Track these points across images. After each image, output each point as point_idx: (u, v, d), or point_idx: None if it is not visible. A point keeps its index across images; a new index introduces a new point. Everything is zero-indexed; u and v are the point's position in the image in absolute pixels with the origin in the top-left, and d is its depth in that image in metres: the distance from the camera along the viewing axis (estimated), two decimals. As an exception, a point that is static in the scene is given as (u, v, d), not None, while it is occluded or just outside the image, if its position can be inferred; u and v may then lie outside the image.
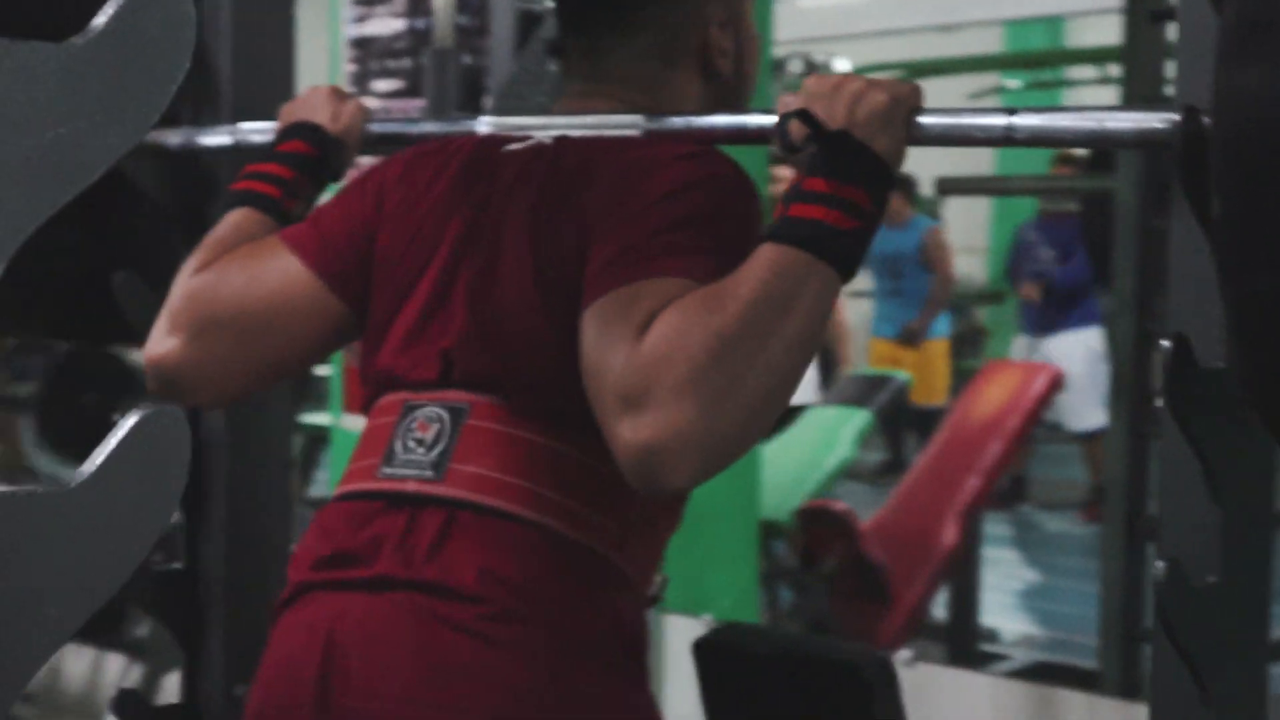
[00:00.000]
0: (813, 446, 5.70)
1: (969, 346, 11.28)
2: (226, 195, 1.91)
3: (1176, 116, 1.42)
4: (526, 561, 1.53)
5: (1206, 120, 1.35)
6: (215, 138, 2.16)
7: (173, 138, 2.21)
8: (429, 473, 1.57)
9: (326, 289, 1.72)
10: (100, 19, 0.71)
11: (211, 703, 2.32)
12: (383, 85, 3.98)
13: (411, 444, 1.59)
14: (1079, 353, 7.66)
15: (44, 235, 2.23)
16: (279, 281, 1.72)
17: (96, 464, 0.72)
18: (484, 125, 1.82)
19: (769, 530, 5.28)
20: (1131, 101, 4.04)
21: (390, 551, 1.55)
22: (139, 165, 2.23)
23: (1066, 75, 10.76)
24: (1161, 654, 1.53)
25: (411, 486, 1.57)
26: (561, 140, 1.68)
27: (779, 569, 5.33)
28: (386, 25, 3.98)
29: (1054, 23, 11.86)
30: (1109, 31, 6.59)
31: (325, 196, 1.89)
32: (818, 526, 4.99)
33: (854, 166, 1.47)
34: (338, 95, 1.95)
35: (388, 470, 1.60)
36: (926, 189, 8.39)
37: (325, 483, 6.00)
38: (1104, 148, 1.34)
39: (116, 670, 4.38)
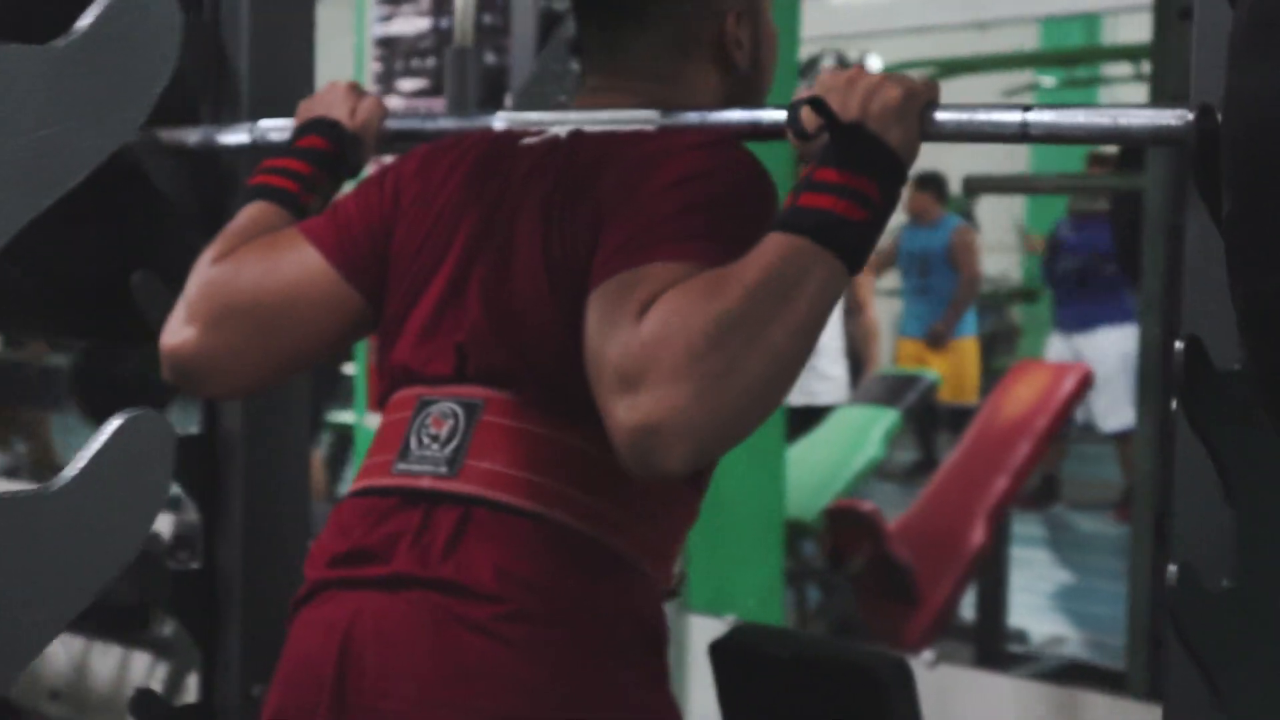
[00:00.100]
0: (841, 446, 5.70)
1: (1003, 345, 11.26)
2: (244, 190, 1.91)
3: (1191, 114, 1.41)
4: (542, 559, 1.53)
5: (1221, 117, 1.34)
6: (234, 135, 2.17)
7: (192, 136, 2.22)
8: (443, 469, 1.57)
9: (343, 281, 1.72)
10: (83, 22, 0.71)
11: (229, 703, 2.32)
12: (408, 84, 3.99)
13: (426, 440, 1.59)
14: (1112, 352, 7.63)
15: (66, 236, 2.22)
16: (296, 273, 1.72)
17: (79, 467, 0.71)
18: (500, 121, 1.82)
19: (796, 530, 5.28)
20: (1159, 98, 4.02)
21: (406, 549, 1.54)
22: (158, 163, 2.23)
23: (1102, 73, 10.71)
24: (1175, 658, 1.51)
25: (426, 483, 1.57)
26: (576, 134, 1.68)
27: (806, 569, 5.33)
28: (412, 24, 3.98)
29: (1091, 20, 11.83)
30: (1146, 28, 6.55)
31: (343, 192, 1.89)
32: (845, 526, 4.99)
33: (866, 158, 1.46)
34: (355, 91, 1.96)
35: (402, 466, 1.60)
36: (959, 187, 8.37)
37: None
38: (1118, 145, 1.34)
39: (143, 669, 4.40)
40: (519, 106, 2.82)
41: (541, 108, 2.69)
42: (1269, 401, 1.30)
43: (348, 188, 1.88)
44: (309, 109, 1.95)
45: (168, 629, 4.34)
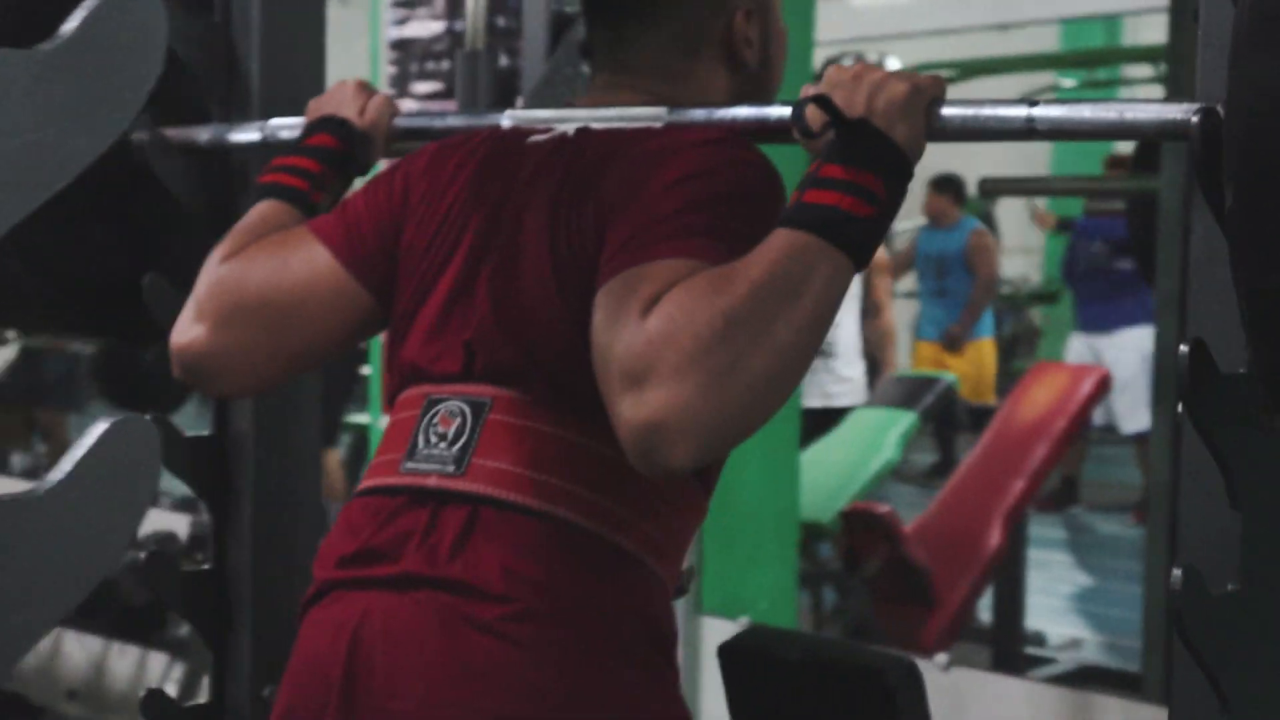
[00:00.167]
0: (857, 449, 5.69)
1: (1023, 347, 11.24)
2: (254, 188, 1.91)
3: (1196, 108, 1.40)
4: (549, 559, 1.52)
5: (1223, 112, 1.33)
6: (245, 134, 2.17)
7: (202, 134, 2.22)
8: (451, 468, 1.56)
9: (353, 279, 1.72)
10: (69, 26, 0.71)
11: (239, 703, 2.32)
12: (422, 87, 4.00)
13: (434, 438, 1.59)
14: (1133, 353, 7.61)
15: (76, 234, 2.22)
16: (306, 270, 1.72)
17: (65, 471, 0.72)
18: (508, 119, 1.82)
19: (813, 533, 5.27)
20: (1174, 99, 4.01)
21: (414, 548, 1.54)
22: (169, 163, 2.24)
23: (1123, 74, 10.69)
24: (1180, 662, 1.51)
25: (433, 482, 1.57)
26: (583, 132, 1.68)
27: (822, 571, 5.33)
28: (426, 28, 3.99)
29: (1112, 22, 11.80)
30: (1166, 30, 6.54)
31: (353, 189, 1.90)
32: (860, 529, 4.98)
33: (871, 154, 1.46)
34: (364, 89, 1.96)
35: (410, 465, 1.60)
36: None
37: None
38: (1125, 139, 1.35)
39: (160, 669, 4.42)
40: (530, 109, 2.82)
41: (553, 110, 2.69)
42: (1273, 399, 1.30)
43: (358, 185, 1.88)
44: (318, 107, 1.96)
45: (184, 630, 4.36)
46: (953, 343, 8.47)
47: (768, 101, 1.74)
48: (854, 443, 5.75)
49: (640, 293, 1.39)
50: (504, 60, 3.42)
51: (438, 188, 1.72)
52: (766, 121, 1.67)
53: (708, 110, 1.69)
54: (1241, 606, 1.48)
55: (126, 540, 0.77)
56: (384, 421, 1.69)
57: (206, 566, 2.35)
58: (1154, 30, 9.43)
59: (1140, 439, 7.68)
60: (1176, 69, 4.11)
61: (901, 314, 9.39)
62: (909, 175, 1.49)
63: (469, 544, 1.53)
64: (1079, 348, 8.14)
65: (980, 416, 7.51)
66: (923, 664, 2.31)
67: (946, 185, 8.40)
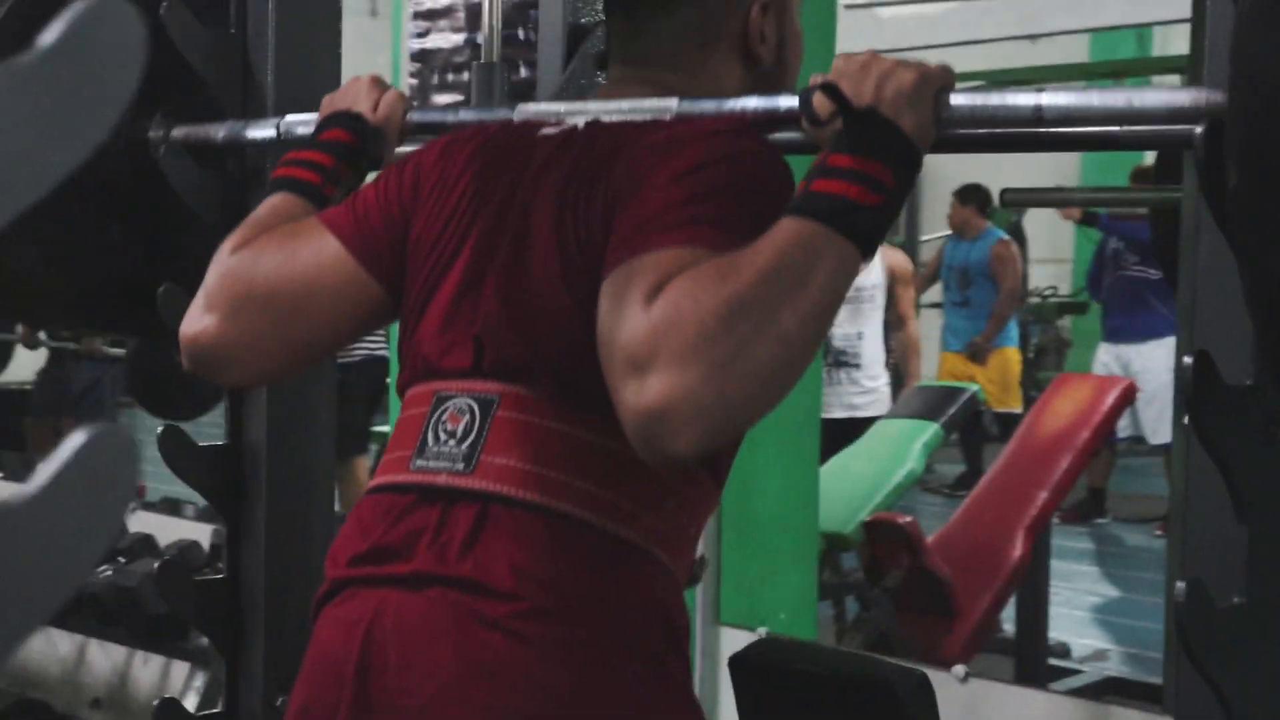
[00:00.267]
0: (881, 459, 5.67)
1: (1051, 358, 11.20)
2: (268, 182, 1.92)
3: (1204, 94, 1.40)
4: (559, 556, 1.53)
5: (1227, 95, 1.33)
6: (260, 130, 2.18)
7: (219, 131, 2.23)
8: (460, 465, 1.56)
9: (363, 269, 1.73)
10: (46, 36, 0.71)
11: (253, 712, 2.33)
12: (443, 98, 4.01)
13: (443, 435, 1.59)
14: (1162, 363, 7.57)
15: (93, 231, 2.22)
16: (316, 261, 1.73)
17: (40, 482, 0.71)
18: (519, 113, 1.82)
19: (835, 543, 5.26)
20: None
21: (425, 547, 1.55)
22: (185, 163, 2.25)
23: (1152, 85, 10.66)
24: (1184, 674, 1.50)
25: (443, 479, 1.57)
26: (593, 124, 1.69)
27: (844, 582, 5.31)
28: (447, 39, 4.00)
29: (1142, 32, 11.76)
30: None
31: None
32: (883, 539, 4.97)
33: (879, 143, 1.46)
34: (378, 85, 1.98)
35: (419, 463, 1.60)
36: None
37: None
38: (1133, 125, 1.35)
39: (182, 678, 4.42)
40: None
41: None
42: (1276, 382, 1.29)
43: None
44: (332, 102, 1.97)
45: (206, 639, 4.37)
46: (976, 353, 8.46)
47: None
48: (877, 453, 5.73)
49: (645, 280, 1.38)
50: (524, 72, 3.42)
51: (448, 180, 1.72)
52: (775, 111, 1.68)
53: (717, 101, 1.69)
54: (1246, 618, 1.48)
55: (102, 552, 0.76)
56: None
57: (219, 575, 2.36)
58: (1183, 41, 9.40)
59: (1168, 450, 7.64)
60: (1195, 77, 4.09)
61: (926, 325, 9.37)
62: (917, 163, 1.49)
63: (479, 542, 1.53)
64: (1106, 358, 8.11)
65: (1008, 424, 7.48)
66: (940, 676, 2.30)
67: (970, 196, 8.38)
